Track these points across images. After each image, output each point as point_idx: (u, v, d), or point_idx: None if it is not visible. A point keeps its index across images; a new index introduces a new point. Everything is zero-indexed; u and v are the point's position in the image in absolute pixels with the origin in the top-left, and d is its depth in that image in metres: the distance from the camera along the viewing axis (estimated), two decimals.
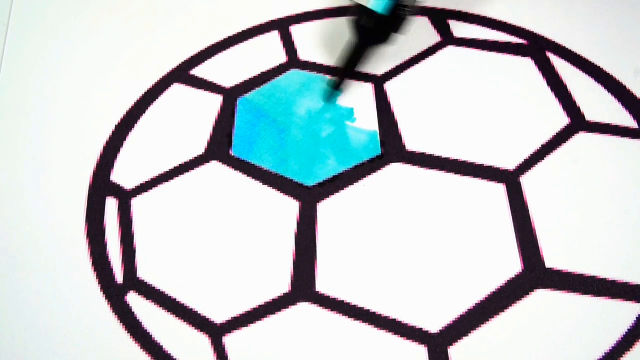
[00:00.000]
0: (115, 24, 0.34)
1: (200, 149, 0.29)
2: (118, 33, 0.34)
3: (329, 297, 0.25)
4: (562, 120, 0.29)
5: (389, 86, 0.30)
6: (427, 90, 0.30)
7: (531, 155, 0.27)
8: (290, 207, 0.27)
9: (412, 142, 0.28)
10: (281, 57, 0.32)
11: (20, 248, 0.27)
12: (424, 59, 0.31)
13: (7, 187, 0.29)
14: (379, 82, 0.30)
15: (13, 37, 0.34)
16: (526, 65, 0.30)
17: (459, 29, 0.32)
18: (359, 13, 0.28)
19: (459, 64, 0.31)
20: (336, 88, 0.29)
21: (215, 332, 0.25)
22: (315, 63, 0.31)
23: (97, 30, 0.34)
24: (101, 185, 0.29)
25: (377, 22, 0.28)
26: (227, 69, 0.31)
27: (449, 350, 0.24)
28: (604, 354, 0.23)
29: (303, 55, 0.32)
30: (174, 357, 0.25)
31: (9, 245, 0.27)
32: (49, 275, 0.26)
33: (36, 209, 0.28)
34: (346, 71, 0.29)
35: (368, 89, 0.30)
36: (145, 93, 0.31)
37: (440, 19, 0.33)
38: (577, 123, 0.28)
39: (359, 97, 0.30)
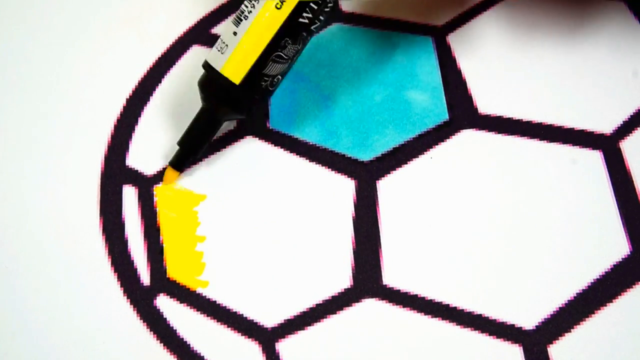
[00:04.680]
0: None
1: (230, 123, 0.27)
2: None
3: (399, 290, 0.24)
4: None
5: (453, 38, 0.28)
6: (498, 42, 0.28)
7: (630, 116, 0.26)
8: (345, 187, 0.26)
9: (486, 104, 0.27)
10: None
11: (23, 250, 0.26)
12: (492, 6, 0.29)
13: (4, 181, 0.27)
14: (440, 34, 0.28)
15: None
16: (620, 10, 0.28)
17: None
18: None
19: (535, 10, 0.28)
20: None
21: (267, 338, 0.24)
22: (361, 15, 0.29)
23: None
24: (115, 172, 0.27)
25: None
26: None
27: (548, 349, 0.22)
28: None
29: (345, 5, 0.30)
30: None
31: (10, 248, 0.26)
32: (60, 279, 0.25)
33: (40, 204, 0.27)
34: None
35: (427, 42, 0.28)
36: (159, 58, 0.29)
37: None
38: None
39: (417, 52, 0.28)
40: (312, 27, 0.24)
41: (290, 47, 0.24)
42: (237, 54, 0.23)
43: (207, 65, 0.24)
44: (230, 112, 0.25)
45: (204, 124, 0.25)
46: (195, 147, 0.26)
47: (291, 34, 0.23)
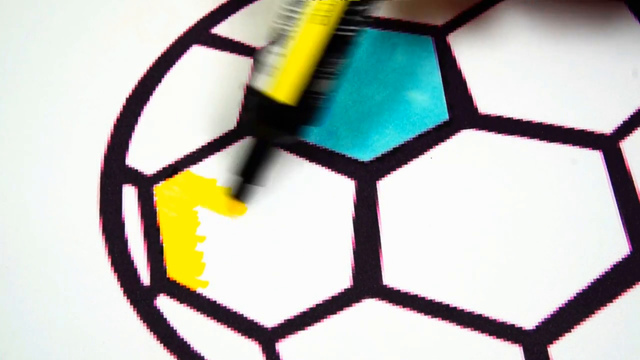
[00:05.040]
0: None
1: (231, 123, 0.27)
2: None
3: (399, 290, 0.24)
4: None
5: (453, 38, 0.28)
6: (498, 42, 0.28)
7: (630, 116, 0.26)
8: (345, 187, 0.26)
9: (486, 104, 0.27)
10: None
11: (23, 250, 0.26)
12: (492, 6, 0.29)
13: (4, 181, 0.27)
14: (440, 34, 0.28)
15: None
16: (620, 10, 0.28)
17: None
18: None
19: (535, 10, 0.29)
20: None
21: (267, 338, 0.24)
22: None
23: None
24: (115, 171, 0.27)
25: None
26: (255, 25, 0.29)
27: (548, 349, 0.23)
28: None
29: None
30: None
31: (10, 248, 0.26)
32: (60, 279, 0.25)
33: (40, 204, 0.27)
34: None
35: (428, 42, 0.28)
36: (159, 58, 0.29)
37: None
38: None
39: (417, 52, 0.28)
40: (355, 38, 0.23)
41: (338, 60, 0.23)
42: (288, 75, 0.23)
43: (257, 92, 0.23)
44: (286, 135, 0.24)
45: (262, 152, 0.24)
46: (258, 177, 0.25)
47: (337, 48, 0.23)
